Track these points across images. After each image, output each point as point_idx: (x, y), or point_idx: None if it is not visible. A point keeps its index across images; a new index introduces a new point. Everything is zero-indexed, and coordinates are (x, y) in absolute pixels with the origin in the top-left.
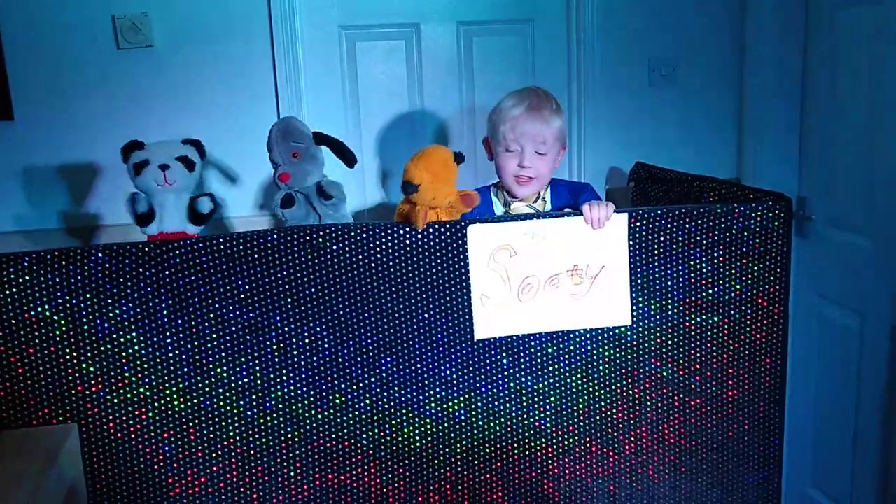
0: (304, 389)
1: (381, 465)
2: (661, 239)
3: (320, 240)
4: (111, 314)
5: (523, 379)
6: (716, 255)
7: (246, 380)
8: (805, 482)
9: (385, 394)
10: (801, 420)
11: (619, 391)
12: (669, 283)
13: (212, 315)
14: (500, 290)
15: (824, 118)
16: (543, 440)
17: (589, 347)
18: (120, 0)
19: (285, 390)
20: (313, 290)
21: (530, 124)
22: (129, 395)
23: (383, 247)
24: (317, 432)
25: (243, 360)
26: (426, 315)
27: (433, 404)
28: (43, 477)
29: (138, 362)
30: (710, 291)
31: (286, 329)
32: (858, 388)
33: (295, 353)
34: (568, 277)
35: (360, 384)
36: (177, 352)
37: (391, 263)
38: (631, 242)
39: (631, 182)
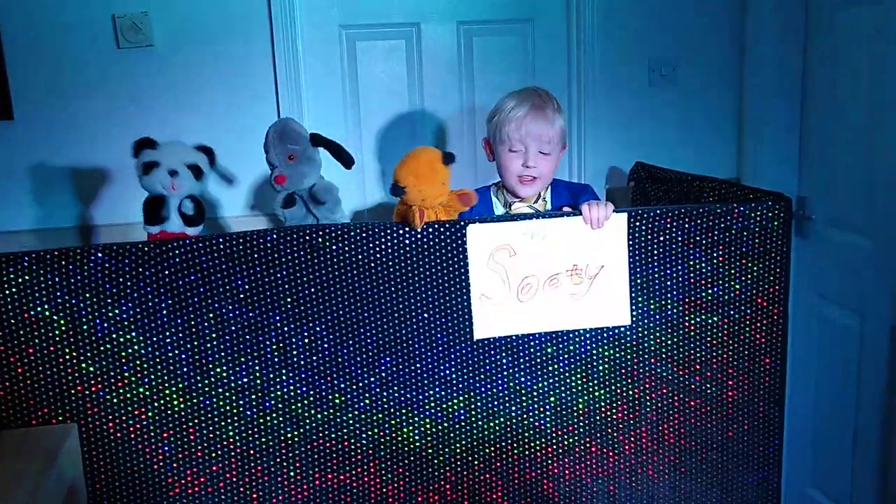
0: (304, 389)
1: (381, 464)
2: (661, 239)
3: (320, 240)
4: (111, 314)
5: (523, 379)
6: (715, 254)
7: (245, 379)
8: (805, 482)
9: (385, 393)
10: (801, 420)
11: (618, 391)
12: (669, 283)
13: (211, 315)
14: (500, 289)
15: (824, 118)
16: (543, 440)
17: (588, 347)
18: None
19: (285, 390)
20: (313, 289)
21: (534, 124)
22: (128, 395)
23: (383, 247)
24: (316, 432)
25: (243, 359)
26: (426, 315)
27: (433, 404)
28: (43, 477)
29: (138, 362)
30: (710, 291)
31: (286, 329)
32: (858, 388)
33: (294, 352)
34: (567, 277)
35: (360, 384)
36: (176, 351)
37: (391, 263)
38: (630, 242)
39: (631, 182)
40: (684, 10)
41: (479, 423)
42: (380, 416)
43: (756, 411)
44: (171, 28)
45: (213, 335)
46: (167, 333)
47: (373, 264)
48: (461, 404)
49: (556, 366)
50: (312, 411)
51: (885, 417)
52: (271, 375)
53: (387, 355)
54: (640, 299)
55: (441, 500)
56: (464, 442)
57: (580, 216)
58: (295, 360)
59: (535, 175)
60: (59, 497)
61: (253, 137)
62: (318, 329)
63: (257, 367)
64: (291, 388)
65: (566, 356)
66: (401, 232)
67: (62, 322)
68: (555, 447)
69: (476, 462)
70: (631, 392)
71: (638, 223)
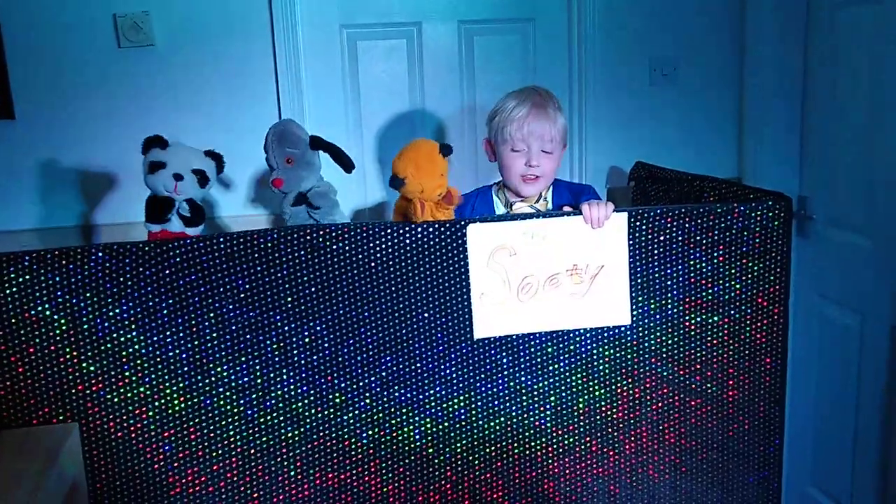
0: (305, 388)
1: (382, 464)
2: (661, 238)
3: (320, 239)
4: (111, 313)
5: (523, 378)
6: (716, 254)
7: (246, 379)
8: (805, 482)
9: (385, 393)
10: (801, 420)
11: (619, 391)
12: (669, 283)
13: (212, 314)
14: (500, 289)
15: (825, 118)
16: (543, 440)
17: (589, 347)
18: None
19: (285, 389)
20: (313, 289)
21: (536, 123)
22: (129, 395)
23: (383, 246)
24: (317, 431)
25: (243, 359)
26: (426, 314)
27: (433, 403)
28: (43, 476)
29: (138, 361)
30: (710, 291)
31: (286, 328)
32: (858, 387)
33: (295, 352)
34: (568, 277)
35: (361, 383)
36: (177, 351)
37: (391, 263)
38: (631, 242)
39: (631, 181)
40: (685, 9)
41: (480, 422)
42: (380, 415)
43: (756, 411)
44: (171, 27)
45: (214, 334)
46: (168, 333)
47: (373, 264)
48: (462, 404)
49: (556, 365)
50: (313, 410)
51: (885, 417)
52: (272, 375)
53: (387, 355)
54: (640, 299)
55: (441, 499)
56: (464, 441)
57: (580, 216)
58: (295, 359)
59: (538, 174)
60: (59, 496)
61: (253, 137)
62: (318, 328)
63: (258, 367)
64: (292, 387)
65: (566, 356)
66: (401, 231)
67: (63, 321)
68: (555, 447)
69: (476, 461)
70: (631, 392)
71: (638, 223)
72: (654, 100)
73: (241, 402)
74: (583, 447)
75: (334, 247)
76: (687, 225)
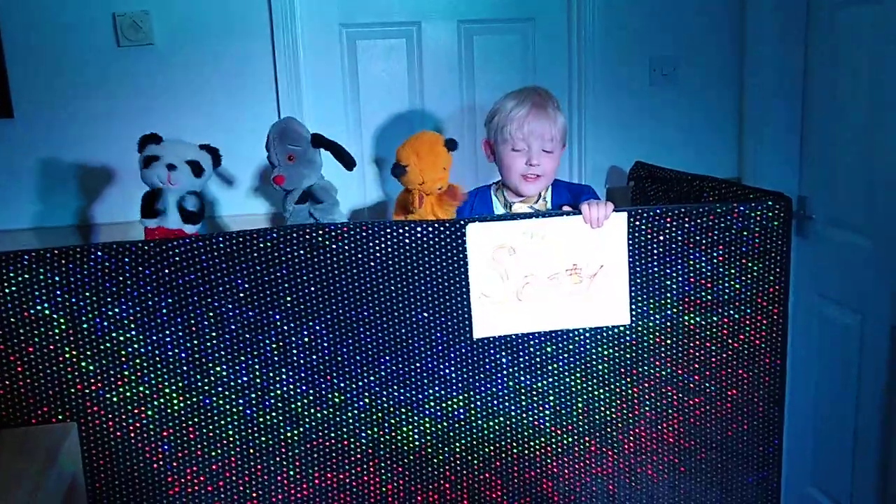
0: (304, 388)
1: (381, 463)
2: (661, 238)
3: (320, 238)
4: (111, 313)
5: (522, 378)
6: (715, 254)
7: (245, 378)
8: (805, 482)
9: (384, 392)
10: (801, 420)
11: (618, 390)
12: (669, 283)
13: (211, 314)
14: (500, 288)
15: (824, 118)
16: (542, 439)
17: (588, 346)
18: None
19: (284, 389)
20: (312, 288)
21: (536, 123)
22: (128, 394)
23: (382, 245)
24: (316, 431)
25: (243, 358)
26: (425, 314)
27: (432, 403)
28: (42, 476)
29: (138, 361)
30: (710, 291)
31: (285, 328)
32: (858, 387)
33: (294, 351)
34: (567, 276)
35: (360, 383)
36: (176, 350)
37: (390, 262)
38: (630, 241)
39: (631, 181)
40: (685, 9)
41: (479, 422)
42: (379, 415)
43: (756, 411)
44: (171, 26)
45: (213, 334)
46: (167, 332)
47: (372, 263)
48: (461, 403)
49: (555, 365)
50: (312, 410)
51: (885, 417)
52: (271, 374)
53: (386, 354)
54: (639, 299)
55: (440, 499)
56: (463, 441)
57: (580, 215)
58: (294, 358)
59: (539, 173)
60: (58, 496)
61: (253, 136)
62: (317, 328)
63: (257, 366)
64: (291, 386)
65: (566, 355)
66: (401, 231)
67: (62, 321)
68: (554, 446)
69: (475, 461)
70: (630, 391)
71: (638, 222)
72: (654, 100)
73: (241, 401)
74: (582, 447)
75: (334, 246)
76: (686, 225)
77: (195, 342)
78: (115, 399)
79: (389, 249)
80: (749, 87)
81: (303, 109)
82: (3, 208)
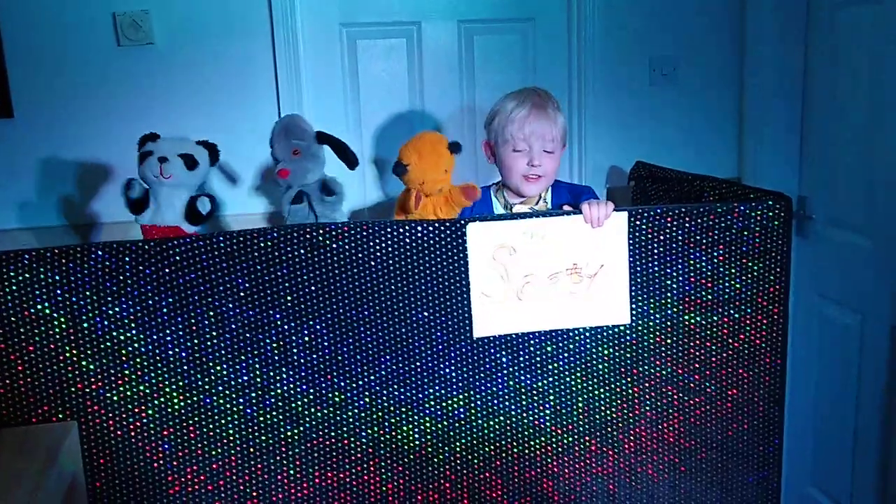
0: (304, 387)
1: (381, 463)
2: (661, 238)
3: (320, 238)
4: (111, 312)
5: (522, 377)
6: (716, 254)
7: (245, 378)
8: (805, 481)
9: (384, 392)
10: (801, 419)
11: (618, 390)
12: (669, 282)
13: (211, 313)
14: (500, 288)
15: (824, 117)
16: (543, 439)
17: (588, 346)
18: None
19: (285, 388)
20: (313, 288)
21: (537, 123)
22: (128, 393)
23: (383, 245)
24: (316, 430)
25: (243, 357)
26: (426, 313)
27: (432, 402)
28: (43, 475)
29: (138, 360)
30: (710, 290)
31: (286, 327)
32: (858, 387)
33: (294, 351)
34: (567, 276)
35: (360, 382)
36: (176, 349)
37: (391, 261)
38: (630, 241)
39: (631, 181)
40: (685, 9)
41: (479, 421)
42: (379, 414)
43: (756, 411)
44: (171, 26)
45: (214, 333)
46: (167, 331)
47: (373, 263)
48: (461, 403)
49: (555, 364)
50: (312, 409)
51: (885, 417)
52: (271, 373)
53: (387, 354)
54: (640, 298)
55: (441, 498)
56: (463, 440)
57: (580, 215)
58: (295, 358)
59: (540, 173)
60: (59, 495)
61: (253, 136)
62: (318, 327)
63: (257, 366)
64: (291, 386)
65: (566, 355)
66: (401, 230)
67: (62, 320)
68: (554, 446)
69: (476, 461)
70: (630, 391)
71: (638, 222)
72: (654, 99)
73: (241, 400)
74: (582, 446)
75: (334, 245)
76: (687, 224)
77: (195, 341)
78: (115, 398)
79: (390, 249)
80: (749, 86)
81: (303, 109)
82: (4, 208)
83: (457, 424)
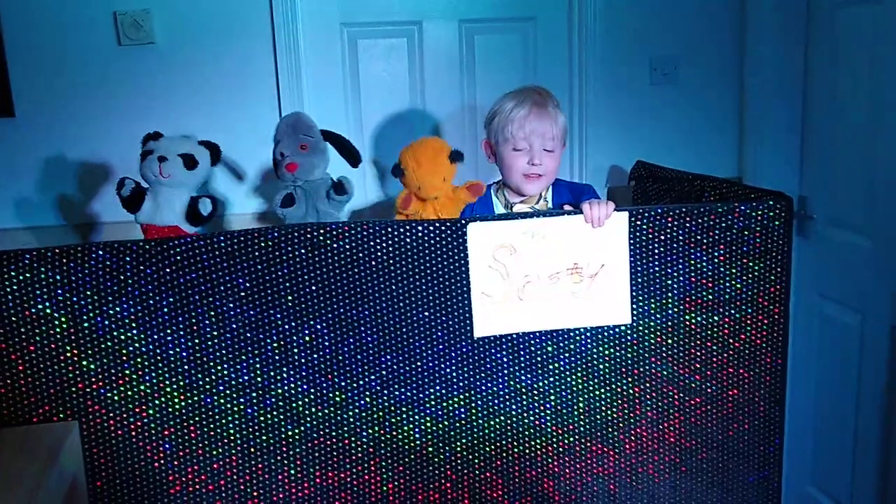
0: (305, 387)
1: (382, 462)
2: (662, 238)
3: (321, 237)
4: (112, 311)
5: (523, 377)
6: (716, 254)
7: (246, 377)
8: (805, 481)
9: (385, 391)
10: (801, 419)
11: (619, 390)
12: (670, 282)
13: (212, 312)
14: (501, 288)
15: (825, 117)
16: (543, 439)
17: (589, 346)
18: None
19: (285, 388)
20: (314, 287)
21: (538, 122)
22: (129, 393)
23: (384, 245)
24: (317, 430)
25: (244, 357)
26: (426, 313)
27: (433, 402)
28: (44, 475)
29: (139, 360)
30: (711, 290)
31: (286, 327)
32: (858, 387)
33: (295, 350)
34: (568, 276)
35: (361, 382)
36: (177, 349)
37: (391, 261)
38: (631, 241)
39: (632, 181)
40: (685, 9)
41: (480, 421)
42: (380, 414)
43: (756, 410)
44: (172, 25)
45: (214, 333)
46: (168, 331)
47: (373, 262)
48: (461, 402)
49: (556, 364)
50: (313, 409)
51: (885, 417)
52: (272, 373)
53: (387, 353)
54: (640, 298)
55: (441, 498)
56: (464, 440)
57: (581, 215)
58: (295, 357)
59: (541, 172)
60: (60, 495)
61: (254, 135)
62: (318, 327)
63: (258, 365)
64: (292, 385)
65: (567, 355)
66: (402, 230)
67: (63, 320)
68: (555, 446)
69: (476, 460)
70: (631, 391)
71: (639, 222)
72: (655, 99)
73: (242, 400)
74: (583, 446)
75: (335, 245)
76: (687, 224)
77: (196, 341)
78: (116, 398)
79: (390, 249)
80: (750, 86)
81: (304, 108)
82: (4, 207)
83: (457, 424)
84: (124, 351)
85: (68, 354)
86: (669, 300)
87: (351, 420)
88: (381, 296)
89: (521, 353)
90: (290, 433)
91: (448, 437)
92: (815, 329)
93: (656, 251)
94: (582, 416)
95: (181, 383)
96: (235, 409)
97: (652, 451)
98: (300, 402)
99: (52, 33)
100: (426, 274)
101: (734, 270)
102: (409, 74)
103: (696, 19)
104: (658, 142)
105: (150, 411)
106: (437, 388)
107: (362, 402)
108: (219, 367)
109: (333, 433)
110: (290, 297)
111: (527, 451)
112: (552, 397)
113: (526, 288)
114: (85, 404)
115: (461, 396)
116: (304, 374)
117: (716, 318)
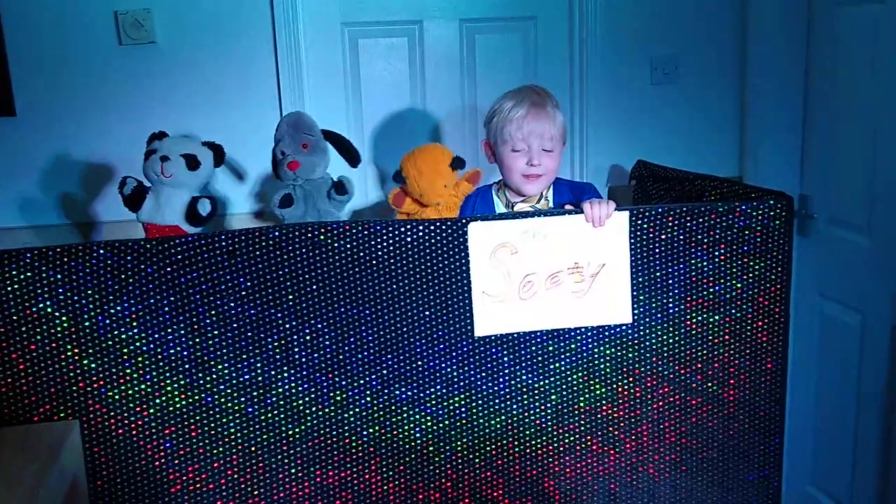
0: (305, 386)
1: (382, 462)
2: (663, 237)
3: (322, 237)
4: (113, 311)
5: (524, 376)
6: (717, 253)
7: (247, 376)
8: (805, 481)
9: (386, 391)
10: (802, 419)
11: (619, 389)
12: (670, 282)
13: (213, 312)
14: (501, 287)
15: (826, 117)
16: (544, 438)
17: (590, 345)
18: None
19: (286, 387)
20: (314, 286)
21: (536, 122)
22: (130, 392)
23: (384, 244)
24: (318, 429)
25: (244, 356)
26: (427, 312)
27: (434, 401)
28: (44, 474)
29: (140, 359)
30: (712, 290)
31: (287, 326)
32: (859, 387)
33: (296, 349)
34: (569, 275)
35: (361, 381)
36: (178, 348)
37: (392, 260)
38: (632, 240)
39: (632, 180)
40: (686, 8)
41: (481, 420)
42: (381, 413)
43: (757, 410)
44: (173, 25)
45: (215, 332)
46: (169, 330)
47: (374, 262)
48: (462, 402)
49: (557, 364)
50: (314, 408)
51: (885, 417)
52: (273, 372)
53: (388, 353)
54: (641, 297)
55: (442, 497)
56: (465, 439)
57: (581, 214)
58: (296, 357)
59: (540, 172)
60: (60, 494)
61: (255, 135)
62: (319, 326)
63: (259, 364)
64: (293, 385)
65: (567, 354)
66: (403, 229)
67: (64, 319)
68: (556, 445)
69: (477, 460)
70: (632, 390)
71: (639, 221)
72: (656, 99)
73: (242, 399)
74: (583, 446)
75: (336, 244)
76: (688, 224)
77: (197, 340)
78: (117, 397)
79: (391, 248)
80: (750, 85)
81: (304, 108)
82: (5, 206)
83: (458, 423)
84: (125, 350)
85: (69, 353)
86: (670, 300)
87: (352, 419)
88: (381, 295)
89: (522, 352)
90: (290, 432)
91: (449, 437)
92: (816, 329)
93: (657, 251)
94: (582, 416)
95: (182, 382)
96: (236, 408)
97: (652, 451)
98: (301, 401)
99: (53, 33)
100: (427, 273)
101: (735, 270)
102: (409, 74)
103: (696, 19)
104: (659, 141)
105: (151, 410)
106: (438, 387)
107: (363, 401)
108: (220, 366)
109: (334, 432)
110: (290, 297)
111: (527, 450)
112: (553, 396)
113: (527, 287)
114: (86, 403)
115: (462, 396)
116: (304, 373)
117: (716, 317)
